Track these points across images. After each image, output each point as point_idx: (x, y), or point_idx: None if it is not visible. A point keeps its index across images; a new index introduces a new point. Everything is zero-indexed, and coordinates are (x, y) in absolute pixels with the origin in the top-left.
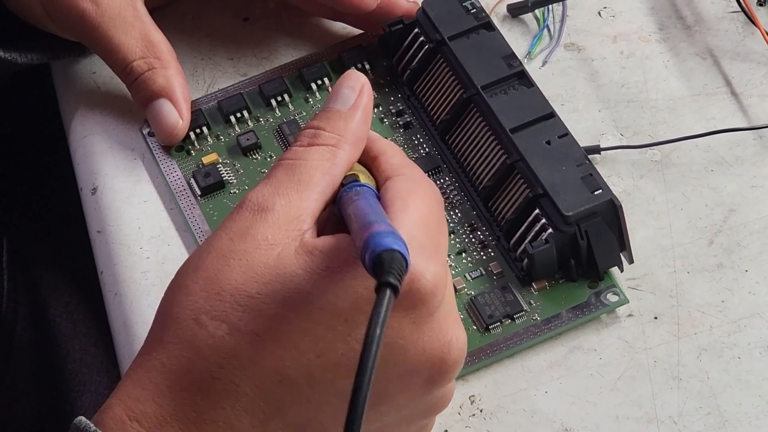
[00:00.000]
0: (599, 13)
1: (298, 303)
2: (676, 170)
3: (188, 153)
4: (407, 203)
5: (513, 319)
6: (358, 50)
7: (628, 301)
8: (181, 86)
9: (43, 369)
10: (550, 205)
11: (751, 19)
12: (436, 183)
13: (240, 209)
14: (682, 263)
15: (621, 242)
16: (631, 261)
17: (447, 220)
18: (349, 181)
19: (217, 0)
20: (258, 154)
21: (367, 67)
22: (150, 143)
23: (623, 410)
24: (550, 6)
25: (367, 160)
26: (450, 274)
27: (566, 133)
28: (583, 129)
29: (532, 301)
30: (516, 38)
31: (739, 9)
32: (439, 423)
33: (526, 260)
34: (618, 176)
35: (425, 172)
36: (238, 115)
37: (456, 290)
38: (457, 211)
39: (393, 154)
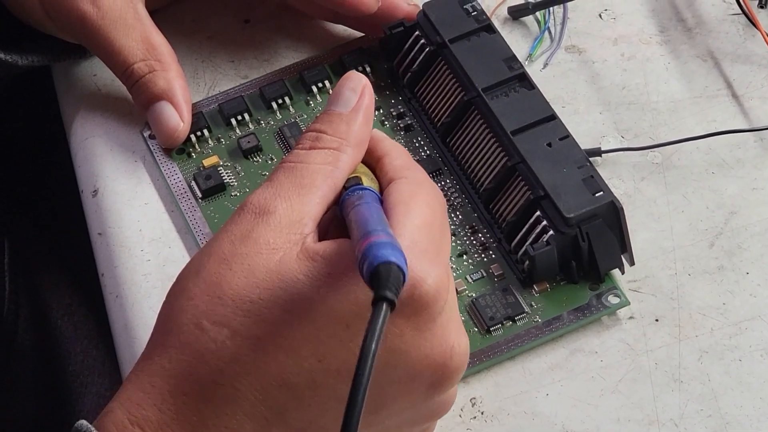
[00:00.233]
0: (600, 16)
1: (300, 309)
2: (677, 172)
3: (189, 155)
4: (410, 207)
5: (514, 321)
6: (358, 53)
7: (629, 303)
8: (182, 89)
9: (44, 371)
10: (551, 207)
11: (752, 22)
12: (437, 185)
13: (241, 212)
14: (683, 265)
15: (622, 244)
16: (632, 263)
17: (448, 222)
18: (351, 185)
19: (218, 2)
20: (259, 156)
21: (368, 69)
22: (151, 145)
23: (624, 413)
24: (551, 8)
25: (371, 161)
26: (452, 279)
27: (567, 135)
28: (584, 131)
29: (533, 302)
30: (517, 41)
31: (739, 11)
32: (440, 425)
33: (527, 262)
34: (619, 178)
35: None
36: (239, 117)
37: (457, 292)
38: (458, 213)
39: (397, 155)
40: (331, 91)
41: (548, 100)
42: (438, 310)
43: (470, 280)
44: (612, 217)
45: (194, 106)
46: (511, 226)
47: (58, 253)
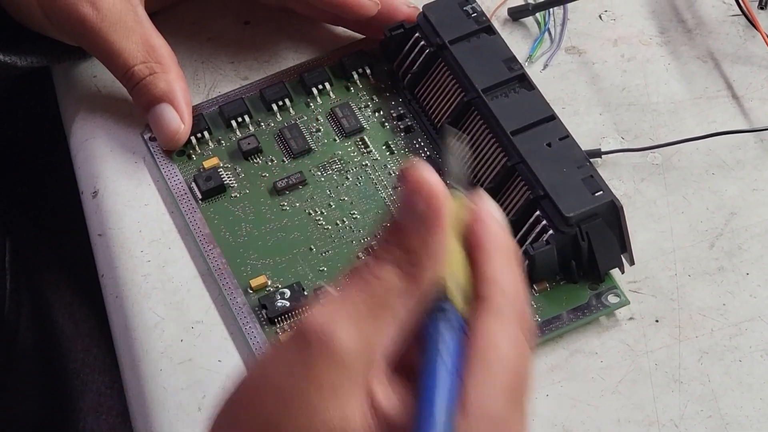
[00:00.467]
0: (600, 17)
1: None
2: (677, 173)
3: (189, 157)
4: (492, 369)
5: None
6: (359, 55)
7: (629, 303)
8: (182, 90)
9: (45, 369)
10: (550, 206)
11: (752, 23)
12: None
13: (301, 337)
14: (683, 266)
15: (622, 244)
16: (632, 262)
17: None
18: (434, 306)
19: (218, 3)
20: (259, 158)
21: (368, 71)
22: (151, 147)
23: (624, 413)
24: (551, 9)
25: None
26: None
27: (567, 136)
28: (584, 132)
29: (532, 302)
30: (517, 42)
31: (739, 12)
32: None
33: (527, 261)
34: (619, 179)
35: None
36: (239, 119)
37: None
38: None
39: (494, 251)
40: (331, 94)
41: (548, 101)
42: None
43: None
44: (612, 216)
45: (194, 107)
46: (511, 226)
47: (58, 251)
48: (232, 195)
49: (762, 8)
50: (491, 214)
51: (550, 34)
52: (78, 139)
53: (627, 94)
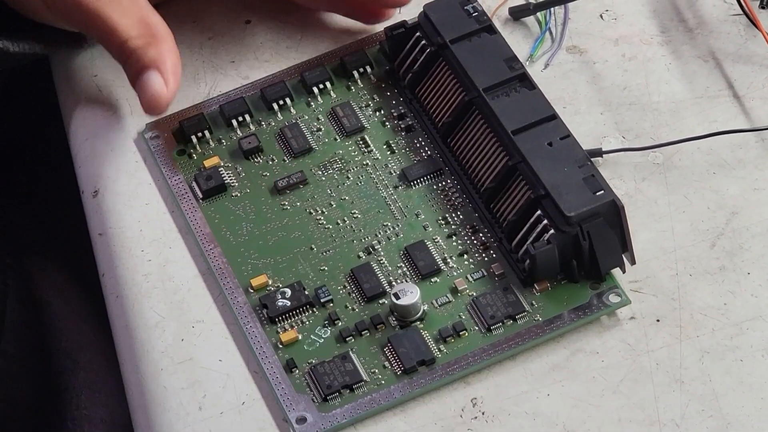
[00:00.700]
0: (601, 16)
1: None
2: (678, 173)
3: (190, 156)
4: None
5: (515, 320)
6: (359, 54)
7: (630, 302)
8: (173, 61)
9: (35, 349)
10: (551, 206)
11: (753, 22)
12: (438, 185)
13: None
14: (684, 266)
15: (623, 243)
16: (633, 262)
17: (449, 221)
18: None
19: (219, 3)
20: (260, 157)
21: (369, 70)
22: (152, 146)
23: (625, 413)
24: (552, 9)
25: None
26: None
27: (568, 135)
28: (584, 132)
29: (533, 301)
30: (518, 41)
31: (741, 12)
32: (441, 426)
33: (528, 261)
34: (620, 179)
35: (427, 175)
36: (240, 118)
37: (458, 291)
38: (459, 213)
39: None
40: (332, 93)
41: (549, 101)
42: None
43: (471, 279)
44: (613, 215)
45: (195, 107)
46: (512, 226)
47: (48, 231)
48: (233, 194)
49: (763, 7)
50: None
51: (551, 33)
52: (78, 138)
53: (628, 93)
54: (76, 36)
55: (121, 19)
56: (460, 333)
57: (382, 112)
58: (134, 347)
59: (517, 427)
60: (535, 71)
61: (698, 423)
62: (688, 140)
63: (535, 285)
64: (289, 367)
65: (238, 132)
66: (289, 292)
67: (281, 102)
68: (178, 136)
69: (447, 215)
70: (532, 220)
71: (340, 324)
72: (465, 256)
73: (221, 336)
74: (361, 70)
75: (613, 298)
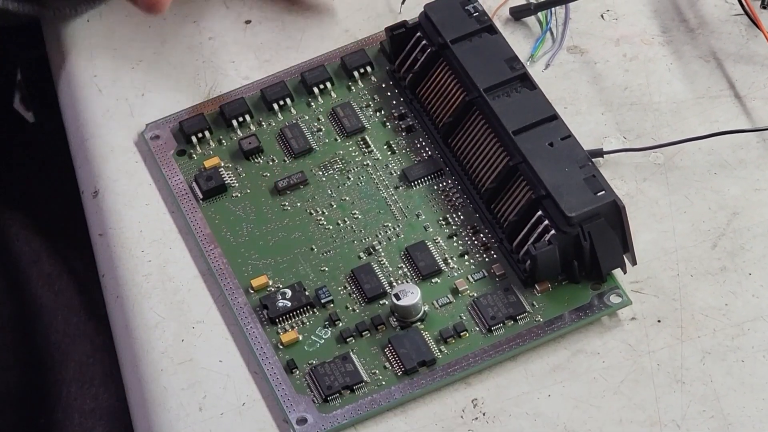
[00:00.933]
0: (602, 16)
1: None
2: (680, 173)
3: (190, 157)
4: None
5: (516, 321)
6: (359, 54)
7: (631, 303)
8: None
9: (24, 341)
10: (552, 206)
11: (755, 22)
12: (438, 186)
13: None
14: (686, 266)
15: (624, 244)
16: (634, 262)
17: (450, 222)
18: None
19: (219, 3)
20: (260, 158)
21: (370, 70)
22: (152, 146)
23: (626, 414)
24: (553, 9)
25: None
26: None
27: (569, 135)
28: (585, 132)
29: (534, 302)
30: (519, 41)
31: (742, 12)
32: (442, 427)
33: (528, 262)
34: (621, 179)
35: (428, 175)
36: (240, 119)
37: (459, 292)
38: (459, 213)
39: None
40: (332, 94)
41: (550, 101)
42: None
43: (472, 279)
44: (614, 216)
45: (195, 107)
46: (513, 226)
47: (37, 223)
48: (233, 195)
49: (764, 8)
50: None
51: (551, 33)
52: (78, 138)
53: (629, 93)
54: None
55: None
56: (461, 334)
57: (383, 112)
58: (134, 348)
59: (517, 427)
60: (535, 71)
61: (699, 424)
62: (689, 140)
63: (536, 285)
64: (290, 367)
65: (239, 132)
66: (289, 292)
67: (281, 102)
68: (178, 137)
69: (448, 216)
70: (533, 220)
71: (340, 325)
72: (466, 256)
73: (221, 337)
74: (362, 70)
75: (614, 299)
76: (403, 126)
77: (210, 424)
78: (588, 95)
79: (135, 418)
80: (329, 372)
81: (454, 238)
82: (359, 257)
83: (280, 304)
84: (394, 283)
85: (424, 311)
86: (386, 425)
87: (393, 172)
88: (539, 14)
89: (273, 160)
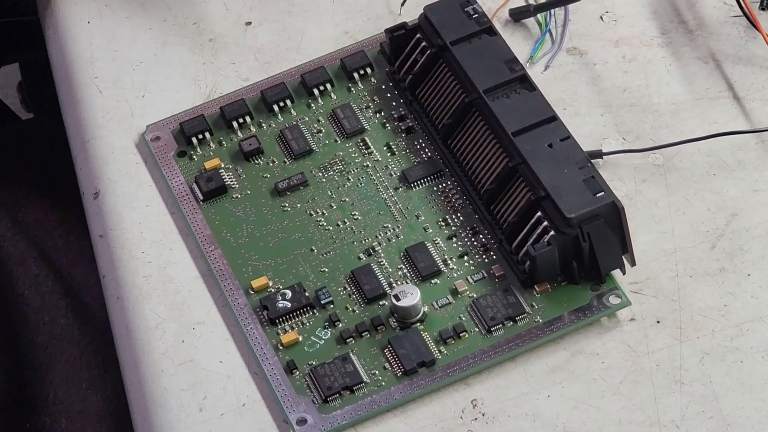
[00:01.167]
0: (601, 18)
1: None
2: (679, 174)
3: (190, 158)
4: None
5: (515, 321)
6: (359, 55)
7: (630, 303)
8: None
9: (11, 343)
10: (552, 207)
11: (753, 24)
12: (438, 187)
13: None
14: (685, 267)
15: (623, 244)
16: (633, 263)
17: (450, 223)
18: None
19: (220, 4)
20: (260, 159)
21: (369, 72)
22: (152, 148)
23: (625, 414)
24: (552, 10)
25: None
26: None
27: (568, 136)
28: (585, 133)
29: (534, 303)
30: (518, 43)
31: (741, 13)
32: (441, 427)
33: (528, 263)
34: (620, 180)
35: (427, 176)
36: (241, 120)
37: (458, 293)
38: (459, 214)
39: None
40: (332, 95)
41: (549, 102)
42: None
43: (471, 280)
44: (613, 217)
45: (195, 108)
46: (512, 227)
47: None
48: (234, 196)
49: (763, 9)
50: None
51: (551, 35)
52: (79, 140)
53: (628, 95)
54: None
55: None
56: (461, 334)
57: (383, 113)
58: (134, 349)
59: (517, 428)
60: (535, 73)
61: (698, 424)
62: (688, 142)
63: (536, 286)
64: (290, 368)
65: (239, 134)
66: (289, 293)
67: (282, 104)
68: (178, 138)
69: (447, 217)
70: (532, 221)
71: (340, 325)
72: (465, 257)
73: (222, 337)
74: (362, 71)
75: (614, 300)
76: (402, 127)
77: (210, 424)
78: (587, 96)
79: (135, 419)
80: (329, 373)
81: (454, 239)
82: (359, 258)
83: (280, 305)
84: (394, 284)
85: (424, 312)
86: (386, 426)
87: (393, 174)
88: (539, 16)
89: (273, 162)
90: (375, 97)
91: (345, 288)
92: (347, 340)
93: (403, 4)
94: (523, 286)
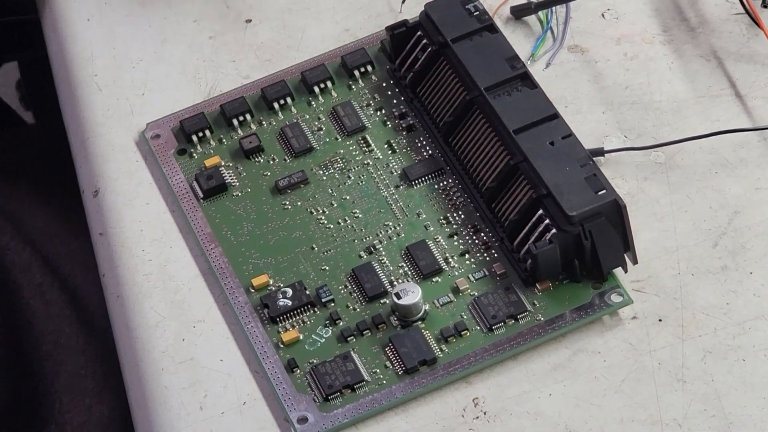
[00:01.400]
0: (603, 15)
1: None
2: (681, 172)
3: (191, 156)
4: None
5: (516, 320)
6: (360, 53)
7: (632, 302)
8: None
9: (15, 352)
10: (553, 205)
11: (756, 21)
12: (439, 184)
13: None
14: (687, 265)
15: (625, 243)
16: (635, 261)
17: (451, 221)
18: None
19: (220, 2)
20: (260, 157)
21: (370, 70)
22: (152, 146)
23: (628, 413)
24: (554, 8)
25: None
26: None
27: (570, 134)
28: (586, 131)
29: (535, 301)
30: (519, 40)
31: (743, 11)
32: (442, 426)
33: (529, 261)
34: (622, 178)
35: (428, 174)
36: (241, 118)
37: (459, 291)
38: (460, 212)
39: None
40: (333, 92)
41: (551, 100)
42: None
43: (473, 279)
44: (615, 215)
45: (196, 106)
46: (514, 225)
47: (28, 233)
48: (234, 194)
49: (765, 6)
50: None
51: (552, 32)
52: (79, 137)
53: (630, 92)
54: None
55: None
56: (462, 333)
57: (383, 111)
58: (135, 347)
59: (518, 427)
60: (536, 70)
61: (700, 423)
62: (690, 139)
63: (537, 285)
64: (291, 366)
65: (239, 131)
66: (290, 291)
67: (282, 101)
68: (178, 136)
69: (448, 215)
70: (533, 219)
71: (341, 324)
72: (466, 255)
73: (222, 336)
74: (362, 69)
75: (615, 298)
76: (403, 125)
77: (211, 423)
78: (589, 94)
79: (136, 418)
80: (330, 371)
81: (455, 237)
82: (360, 256)
83: (281, 303)
84: (395, 282)
85: (425, 310)
86: (387, 424)
87: (393, 171)
88: (540, 13)
89: (273, 159)
90: (376, 94)
91: (346, 286)
92: (348, 339)
93: (404, 2)
94: (524, 284)
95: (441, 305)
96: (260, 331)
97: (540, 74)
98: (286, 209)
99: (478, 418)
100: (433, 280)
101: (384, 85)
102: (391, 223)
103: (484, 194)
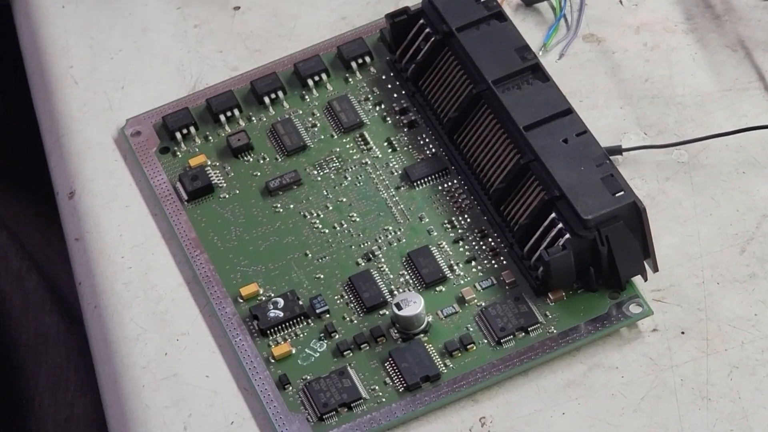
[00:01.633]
0: (621, 2)
1: None
2: (705, 172)
3: (174, 155)
4: None
5: (527, 332)
6: (358, 43)
7: (652, 313)
8: None
9: None
10: (567, 208)
11: None
12: (443, 186)
13: None
14: (712, 273)
15: (645, 249)
16: (655, 269)
17: (456, 225)
18: None
19: None
20: (250, 155)
21: (369, 61)
22: (132, 144)
23: None
24: None
25: None
26: None
27: (585, 131)
28: (603, 127)
29: (547, 312)
30: (530, 29)
31: None
32: None
33: (541, 268)
34: (641, 179)
35: (432, 174)
36: (228, 113)
37: (465, 301)
38: (466, 216)
39: None
40: (328, 86)
41: (564, 94)
42: None
43: (479, 288)
44: (634, 219)
45: (180, 101)
46: (524, 230)
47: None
48: (221, 196)
49: None
50: None
51: (566, 20)
52: (53, 134)
53: (650, 85)
54: None
55: None
56: (468, 346)
57: (383, 106)
58: (114, 362)
59: None
60: (548, 62)
61: None
62: (715, 137)
63: (549, 294)
64: (282, 383)
65: (227, 128)
66: (281, 302)
67: (273, 95)
68: (161, 133)
69: (453, 218)
70: (545, 223)
71: (337, 337)
72: (473, 262)
73: (208, 350)
74: (360, 60)
75: (634, 309)
76: (404, 121)
77: None
78: (605, 88)
79: None
80: (325, 388)
81: (460, 243)
82: (357, 264)
83: (272, 315)
84: (395, 292)
85: (428, 322)
86: None
87: (394, 171)
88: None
89: (264, 159)
90: (374, 88)
91: (342, 296)
92: (344, 353)
93: None
94: (535, 293)
95: (445, 317)
96: (249, 345)
97: (552, 66)
98: (277, 212)
99: None
100: (437, 289)
101: (383, 77)
102: (391, 228)
103: (491, 196)
